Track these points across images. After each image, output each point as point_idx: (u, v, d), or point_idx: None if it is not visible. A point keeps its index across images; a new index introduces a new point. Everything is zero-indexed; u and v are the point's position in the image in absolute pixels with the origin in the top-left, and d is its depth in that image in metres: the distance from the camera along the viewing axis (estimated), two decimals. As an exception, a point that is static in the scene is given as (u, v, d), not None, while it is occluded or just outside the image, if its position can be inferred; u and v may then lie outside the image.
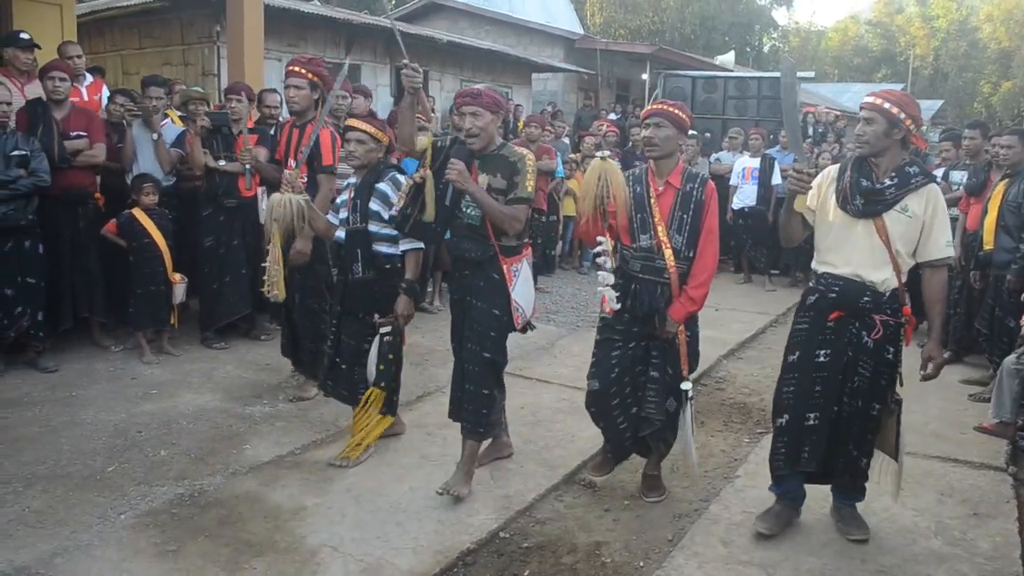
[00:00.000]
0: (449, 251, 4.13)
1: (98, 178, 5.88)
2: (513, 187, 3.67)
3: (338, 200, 4.27)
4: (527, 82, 17.86)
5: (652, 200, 3.60)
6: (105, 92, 7.01)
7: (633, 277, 3.61)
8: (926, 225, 3.26)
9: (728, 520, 3.68)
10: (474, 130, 3.64)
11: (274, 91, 6.59)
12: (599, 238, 3.61)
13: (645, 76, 17.97)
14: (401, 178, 4.00)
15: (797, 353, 3.43)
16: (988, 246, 5.68)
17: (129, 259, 5.69)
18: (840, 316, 3.33)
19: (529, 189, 3.70)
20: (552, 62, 18.06)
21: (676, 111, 3.61)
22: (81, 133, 5.56)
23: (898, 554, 3.42)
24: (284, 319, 5.05)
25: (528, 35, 19.43)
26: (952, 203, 6.55)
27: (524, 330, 3.88)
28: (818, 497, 3.63)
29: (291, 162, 4.64)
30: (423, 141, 3.79)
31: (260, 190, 5.94)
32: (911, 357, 3.41)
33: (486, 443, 4.06)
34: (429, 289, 7.53)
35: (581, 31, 23.35)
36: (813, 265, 3.47)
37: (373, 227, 4.04)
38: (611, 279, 3.61)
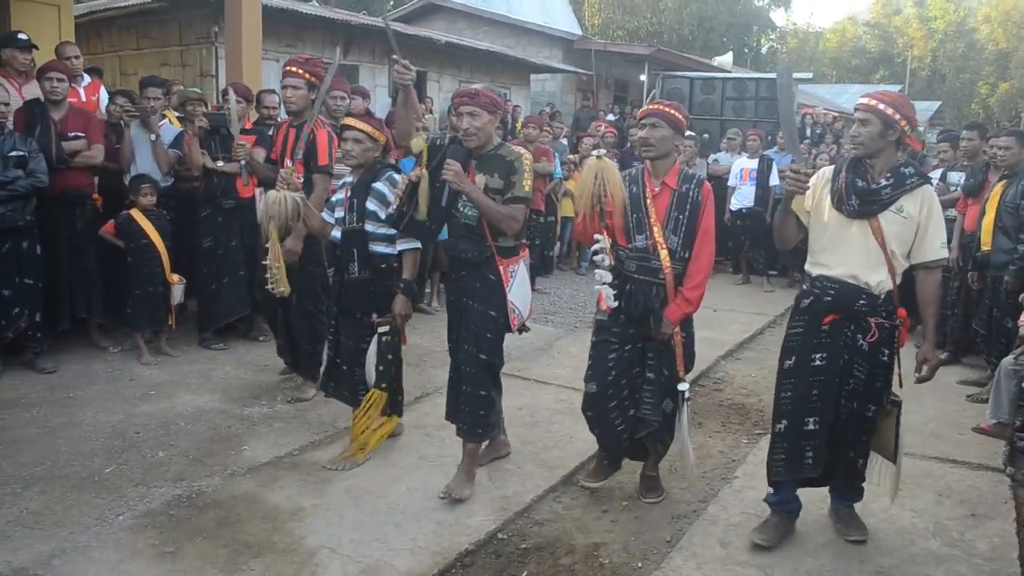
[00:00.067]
0: (446, 252, 4.11)
1: (96, 179, 5.87)
2: (510, 187, 3.66)
3: (334, 199, 4.24)
4: (525, 83, 17.86)
5: (648, 200, 3.60)
6: (103, 93, 7.01)
7: (628, 277, 3.61)
8: (921, 226, 3.26)
9: (726, 521, 3.68)
10: (471, 130, 3.63)
11: (272, 92, 6.59)
12: (596, 236, 3.61)
13: (643, 77, 17.98)
14: (398, 177, 3.99)
15: (793, 358, 3.41)
16: (986, 247, 5.68)
17: (127, 260, 5.68)
18: (835, 319, 3.32)
19: (526, 189, 3.69)
20: (550, 63, 18.07)
21: (672, 111, 3.60)
22: (79, 134, 5.56)
23: (896, 555, 3.42)
24: (281, 321, 5.04)
25: (526, 36, 19.44)
26: (950, 204, 6.56)
27: (520, 331, 3.88)
28: (816, 499, 3.63)
29: (287, 162, 4.64)
30: (418, 143, 3.79)
31: (258, 191, 5.94)
32: (909, 359, 3.41)
33: (484, 443, 4.05)
34: (427, 290, 7.54)
35: (579, 32, 23.36)
36: (807, 267, 3.46)
37: (369, 227, 4.02)
38: (608, 277, 3.60)
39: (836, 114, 19.72)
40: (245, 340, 6.15)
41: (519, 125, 10.53)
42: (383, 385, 3.97)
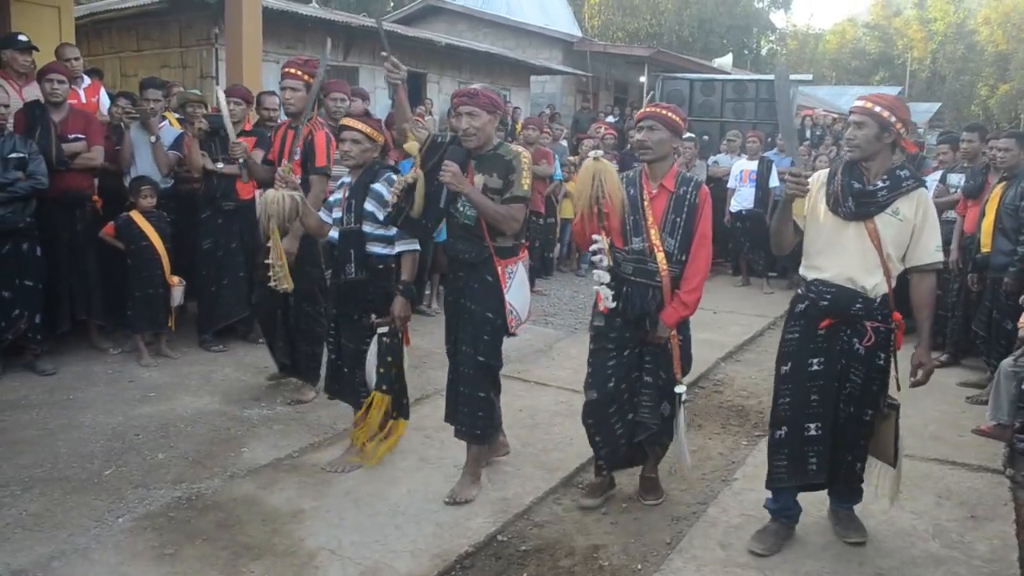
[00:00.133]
0: (444, 252, 4.11)
1: (96, 181, 5.87)
2: (509, 186, 3.64)
3: (331, 199, 4.22)
4: (525, 84, 17.88)
5: (646, 203, 3.59)
6: (103, 94, 7.01)
7: (625, 280, 3.59)
8: (916, 229, 3.26)
9: (726, 523, 3.68)
10: (471, 130, 3.62)
11: (272, 93, 6.59)
12: (595, 236, 3.61)
13: (643, 79, 18.01)
14: (396, 178, 3.97)
15: (789, 363, 3.40)
16: (985, 249, 5.68)
17: (127, 262, 5.68)
18: (831, 323, 3.31)
19: (525, 187, 3.67)
20: (550, 65, 18.08)
21: (669, 114, 3.60)
22: (79, 135, 5.56)
23: (896, 557, 3.42)
24: (280, 323, 5.03)
25: (526, 38, 19.46)
26: (949, 206, 6.57)
27: (513, 332, 3.87)
28: (815, 500, 3.63)
29: (284, 163, 4.62)
30: (412, 145, 3.78)
31: (257, 192, 5.93)
32: (905, 361, 3.40)
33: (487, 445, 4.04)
34: (427, 292, 7.54)
35: (579, 34, 23.38)
36: (801, 271, 3.44)
37: (367, 228, 3.98)
38: (607, 277, 3.60)
39: (836, 116, 19.74)
40: (245, 342, 6.15)
41: (519, 127, 10.53)
42: (383, 387, 3.94)
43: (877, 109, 3.20)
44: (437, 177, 3.60)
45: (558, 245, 10.04)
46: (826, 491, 3.56)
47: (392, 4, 28.05)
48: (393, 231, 3.94)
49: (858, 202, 3.24)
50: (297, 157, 4.64)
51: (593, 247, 3.62)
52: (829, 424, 3.33)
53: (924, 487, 4.10)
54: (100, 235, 5.70)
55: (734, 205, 9.58)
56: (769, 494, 3.55)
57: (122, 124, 6.13)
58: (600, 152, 3.66)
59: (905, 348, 3.41)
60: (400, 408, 4.06)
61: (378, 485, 3.92)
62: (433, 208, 3.74)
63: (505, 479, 4.05)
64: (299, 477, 3.99)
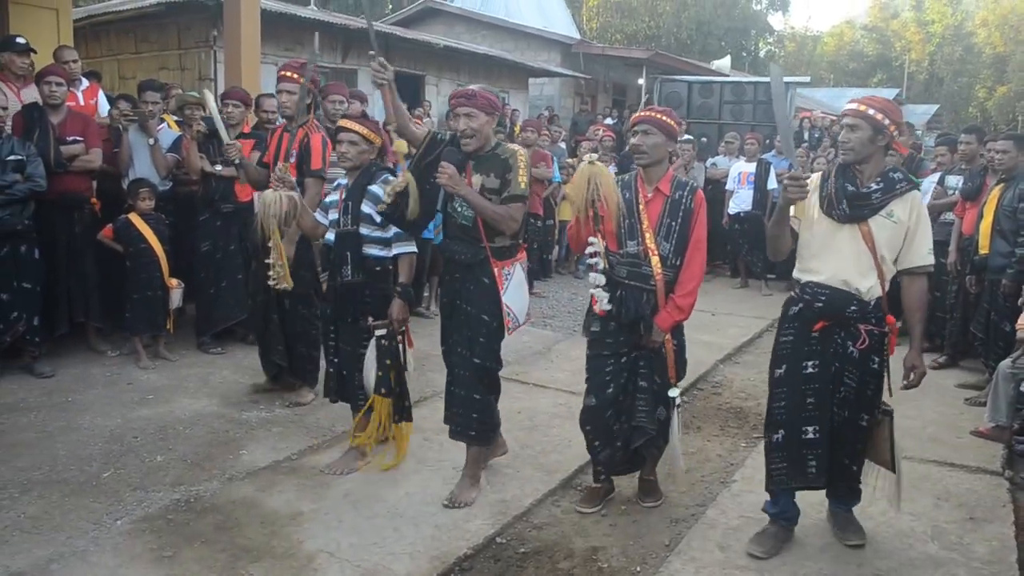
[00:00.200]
0: (440, 253, 4.10)
1: (94, 183, 5.86)
2: (507, 185, 3.64)
3: (328, 199, 4.19)
4: (524, 86, 17.89)
5: (641, 206, 3.59)
6: (101, 97, 7.00)
7: (619, 283, 3.59)
8: (910, 231, 3.26)
9: (725, 525, 3.68)
10: (469, 131, 3.62)
11: (271, 96, 6.58)
12: (591, 239, 3.61)
13: (641, 81, 18.03)
14: (391, 179, 3.96)
15: (784, 366, 3.39)
16: (984, 250, 5.68)
17: (125, 264, 5.68)
18: (825, 326, 3.31)
19: (523, 186, 3.66)
20: (548, 67, 18.09)
21: (664, 118, 3.59)
22: (77, 138, 5.55)
23: (895, 558, 3.43)
24: (277, 326, 5.01)
25: (525, 40, 19.48)
26: (948, 208, 6.58)
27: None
28: (814, 502, 3.63)
29: (280, 164, 4.61)
30: (401, 144, 3.78)
31: (256, 194, 5.93)
32: (899, 364, 3.40)
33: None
34: (425, 294, 7.54)
35: (577, 36, 23.40)
36: (795, 274, 3.44)
37: (364, 230, 3.97)
38: (603, 280, 3.60)
39: (834, 118, 19.72)
40: (243, 344, 6.14)
41: (517, 129, 10.54)
42: (383, 390, 3.93)
43: (871, 112, 3.20)
44: (434, 176, 3.59)
45: (556, 247, 10.04)
46: (824, 493, 3.57)
47: (391, 6, 28.06)
48: (390, 233, 3.94)
49: (852, 205, 3.24)
50: (293, 160, 4.63)
51: (589, 250, 3.62)
52: (826, 427, 3.33)
53: (923, 489, 4.10)
54: (98, 237, 5.70)
55: (732, 207, 9.59)
56: (767, 497, 3.55)
57: (120, 126, 6.13)
58: (595, 156, 3.66)
59: (898, 352, 3.41)
60: (402, 411, 4.04)
61: (377, 487, 3.92)
62: (428, 205, 3.74)
63: (504, 481, 4.05)
64: (298, 479, 3.99)
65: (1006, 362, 4.72)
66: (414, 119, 7.89)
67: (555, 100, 19.29)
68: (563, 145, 11.49)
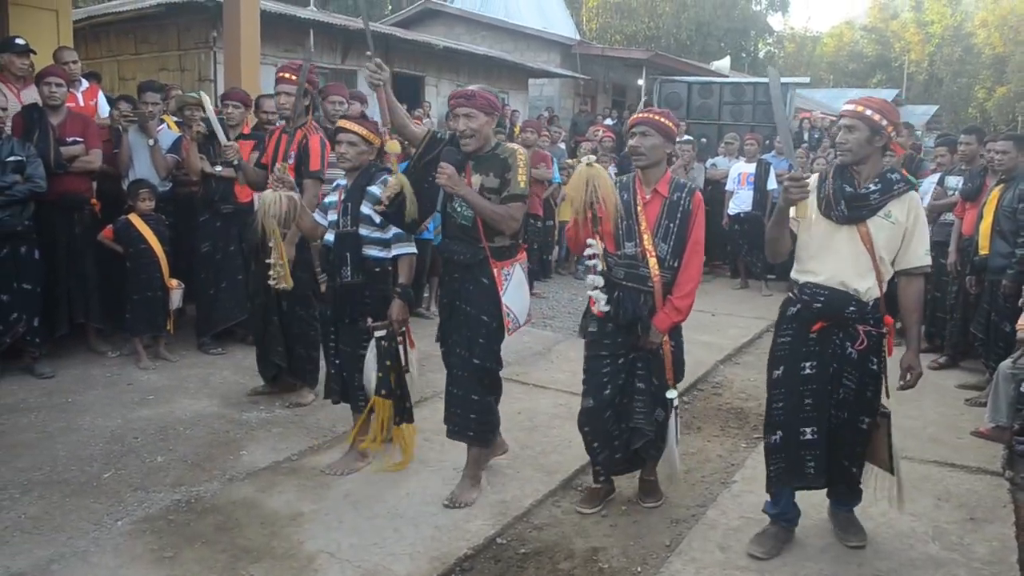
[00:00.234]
0: (439, 253, 4.09)
1: (94, 184, 5.87)
2: (506, 184, 3.63)
3: (327, 200, 4.18)
4: (523, 87, 17.89)
5: (639, 208, 3.59)
6: (101, 97, 7.00)
7: (617, 284, 3.59)
8: (907, 232, 3.26)
9: (725, 525, 3.68)
10: (468, 132, 3.61)
11: (271, 97, 6.57)
12: (589, 241, 3.61)
13: (641, 81, 18.03)
14: (388, 179, 3.95)
15: (782, 368, 3.39)
16: (984, 251, 5.68)
17: (126, 265, 5.68)
18: (823, 327, 3.30)
19: (523, 185, 3.65)
20: (548, 67, 18.10)
21: (662, 119, 3.59)
22: (77, 139, 5.56)
23: (895, 559, 3.42)
24: (277, 327, 5.01)
25: (524, 41, 19.50)
26: (948, 208, 6.58)
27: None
28: (815, 503, 3.63)
29: (279, 164, 4.61)
30: (393, 144, 3.77)
31: (256, 195, 5.93)
32: (896, 366, 3.40)
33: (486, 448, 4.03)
34: (425, 295, 7.54)
35: (577, 37, 23.41)
36: (793, 275, 3.43)
37: (364, 231, 3.96)
38: (600, 281, 3.60)
39: (833, 118, 19.72)
40: (243, 345, 6.13)
41: (517, 129, 10.54)
42: (383, 392, 3.91)
43: (868, 112, 3.19)
44: (433, 175, 3.58)
45: (557, 248, 10.04)
46: (825, 493, 3.57)
47: (390, 7, 28.08)
48: (390, 234, 3.93)
49: (851, 206, 3.24)
50: (291, 161, 4.62)
51: (588, 252, 3.62)
52: (825, 428, 3.32)
53: (923, 489, 4.10)
54: (98, 238, 5.70)
55: (732, 208, 9.59)
56: (768, 498, 3.55)
57: (120, 127, 6.13)
58: (593, 158, 3.66)
59: (896, 353, 3.40)
60: (403, 413, 4.03)
61: (377, 488, 3.92)
62: (427, 203, 3.73)
63: (504, 482, 4.04)
64: (298, 480, 3.99)
65: (1006, 362, 4.72)
66: (414, 119, 7.88)
67: (555, 101, 19.29)
68: (563, 146, 11.50)
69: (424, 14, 20.51)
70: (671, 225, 3.56)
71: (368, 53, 3.75)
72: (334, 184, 4.22)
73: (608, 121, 15.47)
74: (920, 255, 3.29)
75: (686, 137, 10.49)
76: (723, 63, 24.13)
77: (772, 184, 9.29)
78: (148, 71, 11.35)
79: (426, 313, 7.34)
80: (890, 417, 3.42)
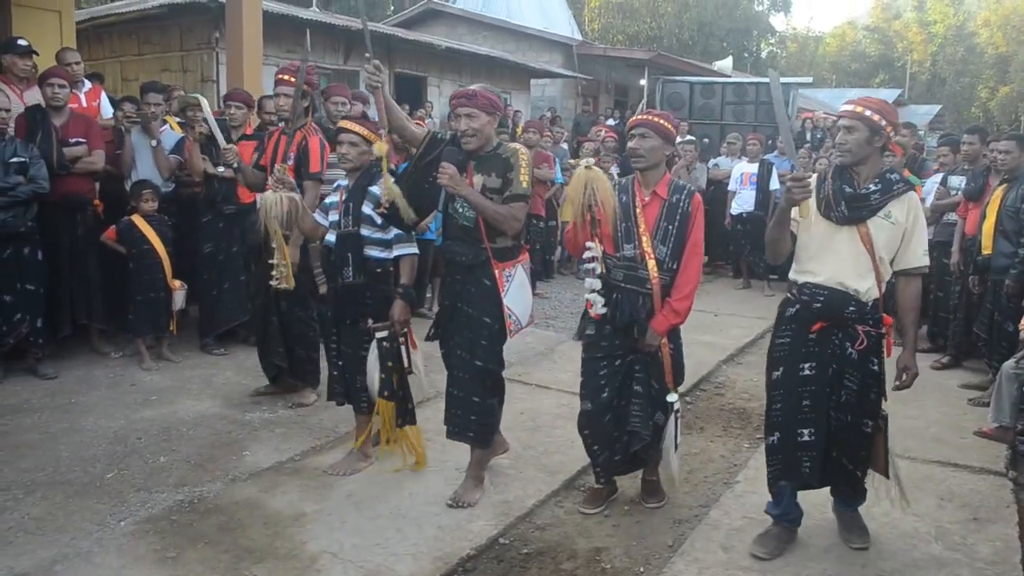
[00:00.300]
0: (441, 254, 4.08)
1: (97, 185, 5.88)
2: (508, 184, 3.62)
3: (328, 201, 4.17)
4: (526, 88, 17.89)
5: (638, 210, 3.58)
6: (104, 98, 7.02)
7: (615, 286, 3.58)
8: (907, 232, 3.25)
9: (728, 526, 3.68)
10: (469, 131, 3.60)
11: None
12: (588, 243, 3.60)
13: (643, 82, 18.02)
14: (385, 182, 3.94)
15: (781, 369, 3.38)
16: (987, 251, 5.67)
17: (128, 266, 5.69)
18: (822, 327, 3.29)
19: (525, 185, 3.64)
20: (550, 68, 18.10)
21: (661, 121, 3.58)
22: (80, 140, 5.57)
23: (898, 559, 3.42)
24: (277, 328, 5.01)
25: (527, 41, 19.50)
26: (951, 208, 6.57)
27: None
28: (818, 503, 3.63)
29: (279, 165, 4.61)
30: (380, 146, 3.77)
31: (259, 196, 5.93)
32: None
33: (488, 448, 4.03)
34: (427, 295, 7.54)
35: (579, 37, 23.41)
36: (792, 275, 3.42)
37: (365, 231, 3.94)
38: (598, 284, 3.59)
39: (836, 118, 19.73)
40: (246, 346, 6.13)
41: (519, 130, 10.55)
42: (385, 393, 3.91)
43: (867, 113, 3.18)
44: (434, 175, 3.58)
45: (559, 248, 10.03)
46: (829, 491, 3.56)
47: (392, 7, 28.10)
48: (391, 235, 3.92)
49: (851, 206, 3.23)
50: (291, 162, 4.62)
51: (587, 254, 3.61)
52: (823, 429, 3.31)
53: (926, 489, 4.09)
54: (101, 239, 5.71)
55: (735, 208, 9.59)
56: (770, 498, 3.54)
57: (123, 128, 6.14)
58: (592, 160, 3.66)
59: (894, 353, 3.40)
60: (405, 414, 4.02)
61: (379, 488, 3.92)
62: (429, 204, 3.73)
63: (507, 482, 4.04)
64: (301, 480, 3.99)
65: (1010, 362, 4.71)
66: (416, 120, 7.90)
67: (557, 101, 19.29)
68: (565, 146, 11.50)
69: (426, 14, 20.51)
70: (670, 227, 3.56)
71: (367, 55, 3.74)
72: (334, 185, 4.22)
73: (610, 121, 15.46)
74: (919, 255, 3.29)
75: (688, 137, 10.49)
76: (725, 63, 24.12)
77: (775, 184, 9.29)
78: (151, 72, 11.36)
79: (428, 313, 7.33)
80: (887, 420, 3.41)
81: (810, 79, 21.13)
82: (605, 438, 3.70)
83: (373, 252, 3.98)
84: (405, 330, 4.00)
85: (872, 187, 3.22)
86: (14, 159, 5.06)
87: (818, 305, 3.28)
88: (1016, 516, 3.85)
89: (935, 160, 7.61)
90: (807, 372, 3.32)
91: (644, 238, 3.54)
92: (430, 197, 3.77)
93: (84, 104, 6.52)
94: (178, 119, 6.60)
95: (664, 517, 3.80)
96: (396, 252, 3.95)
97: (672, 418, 3.67)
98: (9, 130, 5.19)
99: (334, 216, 4.05)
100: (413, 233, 3.98)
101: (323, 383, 4.65)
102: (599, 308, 3.59)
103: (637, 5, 32.58)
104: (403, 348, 3.99)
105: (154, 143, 6.01)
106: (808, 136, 14.56)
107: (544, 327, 7.26)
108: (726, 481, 4.22)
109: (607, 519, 3.78)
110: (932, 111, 31.10)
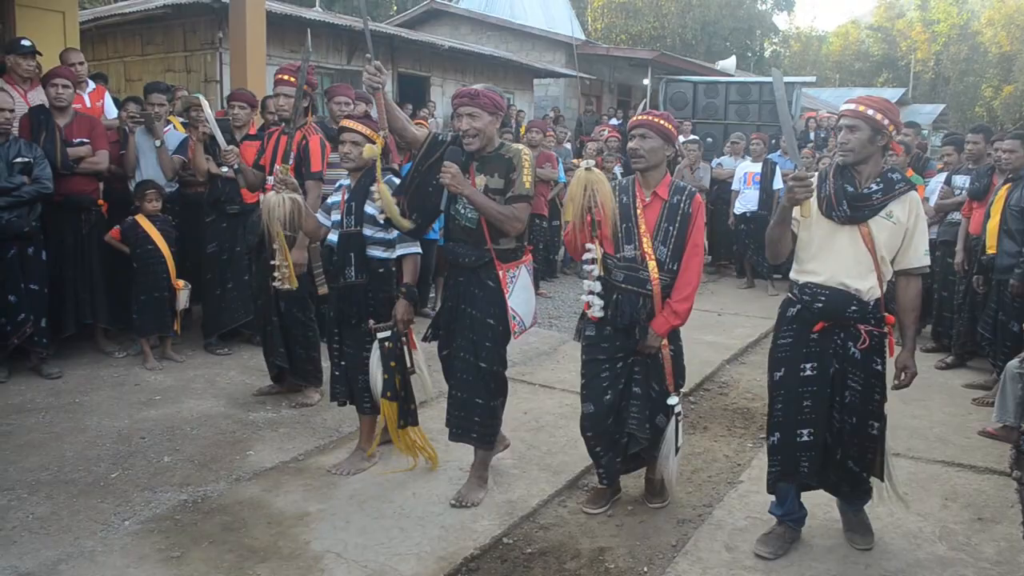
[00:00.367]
0: (443, 255, 4.07)
1: (101, 185, 5.89)
2: (511, 184, 3.62)
3: (330, 200, 4.16)
4: (529, 87, 17.91)
5: (638, 211, 3.57)
6: (108, 99, 7.03)
7: (615, 287, 3.57)
8: (908, 232, 3.24)
9: (732, 525, 3.68)
10: (471, 131, 3.59)
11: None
12: (588, 245, 3.60)
13: (646, 81, 18.02)
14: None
15: (783, 370, 3.37)
16: (991, 250, 5.66)
17: (132, 265, 5.70)
18: (824, 327, 3.28)
19: (527, 185, 3.64)
20: (553, 68, 18.10)
21: (661, 121, 3.56)
22: (84, 140, 5.58)
23: (902, 559, 3.41)
24: (277, 329, 5.01)
25: (530, 41, 19.51)
26: (955, 207, 6.56)
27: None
28: (822, 503, 3.63)
29: (281, 165, 4.61)
30: (371, 149, 3.76)
31: (262, 196, 5.94)
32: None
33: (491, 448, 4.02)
34: (431, 295, 7.54)
35: (583, 37, 23.40)
36: (792, 275, 3.41)
37: (368, 231, 3.94)
38: (597, 286, 3.58)
39: (838, 117, 19.70)
40: (250, 345, 6.16)
41: (523, 130, 10.55)
42: (388, 394, 3.91)
43: (870, 112, 3.17)
44: (435, 174, 3.57)
45: (562, 248, 10.03)
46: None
47: (395, 7, 28.11)
48: (394, 234, 3.91)
49: (852, 206, 3.22)
50: (291, 162, 4.62)
51: (587, 256, 3.60)
52: (823, 430, 3.31)
53: (930, 489, 4.09)
54: (105, 239, 5.73)
55: (738, 207, 9.57)
56: (773, 498, 3.54)
57: (127, 128, 6.15)
58: (592, 163, 3.65)
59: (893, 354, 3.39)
60: (407, 415, 4.02)
61: (383, 488, 3.92)
62: (429, 206, 3.72)
63: (510, 482, 4.05)
64: (304, 480, 4.00)
65: (1014, 362, 4.70)
66: (419, 120, 7.90)
67: (560, 101, 19.30)
68: (568, 146, 11.49)
69: (429, 14, 20.53)
70: (671, 228, 3.54)
71: (367, 56, 3.73)
72: (336, 184, 4.21)
73: (613, 121, 15.47)
74: (920, 255, 3.28)
75: (692, 137, 10.48)
76: (728, 63, 24.06)
77: (778, 183, 9.28)
78: (154, 72, 11.39)
79: (431, 313, 7.33)
80: (886, 421, 3.39)
81: (813, 78, 21.11)
82: (608, 440, 3.68)
83: (376, 252, 3.97)
84: (407, 330, 4.00)
85: (874, 186, 3.21)
86: (18, 159, 5.07)
87: (819, 305, 3.27)
88: (1021, 516, 3.83)
89: (939, 159, 7.60)
90: (808, 373, 3.31)
91: (644, 239, 3.53)
92: (433, 200, 3.75)
93: (88, 104, 6.53)
94: (182, 119, 6.61)
95: (668, 517, 3.80)
96: (399, 252, 3.95)
97: (673, 421, 3.65)
98: (13, 130, 5.21)
99: (336, 216, 4.04)
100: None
101: (325, 383, 4.66)
102: (597, 310, 3.58)
103: (640, 5, 32.57)
104: (405, 348, 3.98)
105: (158, 143, 6.02)
106: (811, 136, 14.55)
107: (547, 327, 7.26)
108: (730, 481, 4.21)
109: (611, 519, 3.77)
110: (936, 110, 31.06)
